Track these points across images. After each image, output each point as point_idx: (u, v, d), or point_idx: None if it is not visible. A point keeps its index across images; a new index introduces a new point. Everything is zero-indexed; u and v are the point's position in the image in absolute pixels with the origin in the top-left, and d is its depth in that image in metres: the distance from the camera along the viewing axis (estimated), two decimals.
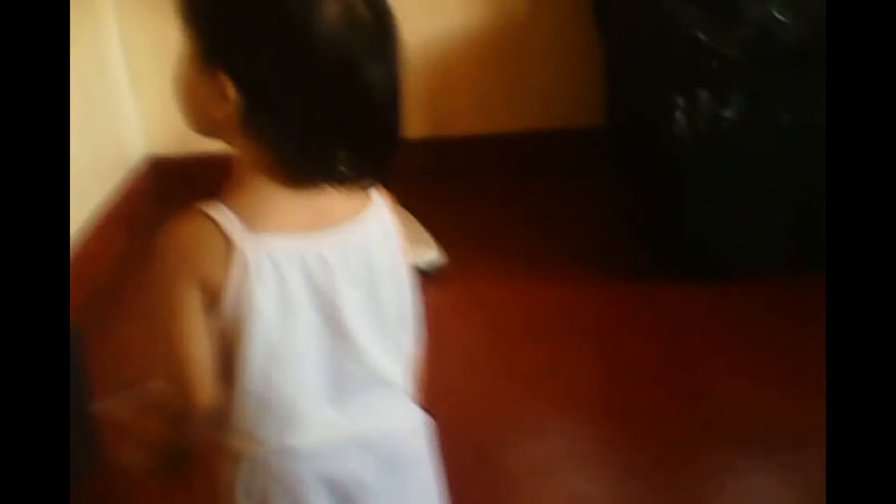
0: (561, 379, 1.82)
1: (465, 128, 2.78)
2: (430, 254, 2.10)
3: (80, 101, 2.38)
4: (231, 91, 0.82)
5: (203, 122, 0.89)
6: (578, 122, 2.77)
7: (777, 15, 1.91)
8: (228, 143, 0.89)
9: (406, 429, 1.01)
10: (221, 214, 0.85)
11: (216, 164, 2.72)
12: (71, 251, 2.15)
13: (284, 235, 0.87)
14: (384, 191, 0.97)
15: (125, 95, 2.75)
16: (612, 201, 2.55)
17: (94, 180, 2.45)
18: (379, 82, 0.84)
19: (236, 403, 0.90)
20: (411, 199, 1.53)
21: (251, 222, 0.85)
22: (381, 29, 0.84)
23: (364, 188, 0.92)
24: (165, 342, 0.87)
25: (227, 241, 0.84)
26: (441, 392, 1.10)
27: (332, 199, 0.89)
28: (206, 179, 2.86)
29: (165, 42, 2.73)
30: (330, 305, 0.89)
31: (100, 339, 1.84)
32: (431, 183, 2.31)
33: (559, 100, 2.80)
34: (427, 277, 1.89)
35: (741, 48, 1.94)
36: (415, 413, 1.02)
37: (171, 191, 2.81)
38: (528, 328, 1.99)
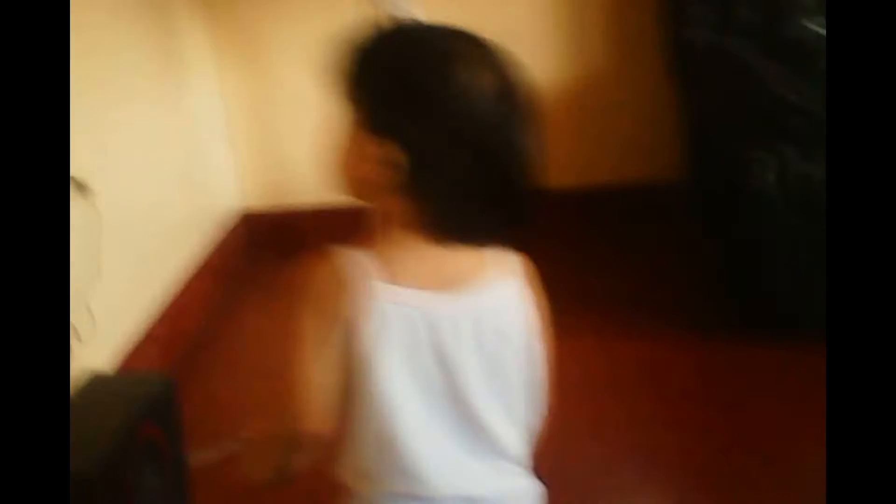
0: (643, 437, 1.80)
1: (547, 181, 2.80)
2: None
3: (181, 157, 2.50)
4: (397, 156, 0.88)
5: (358, 186, 0.94)
6: (659, 175, 2.77)
7: None
8: (376, 202, 0.94)
9: (520, 498, 1.03)
10: (363, 262, 0.90)
11: (304, 217, 2.85)
12: (166, 302, 2.24)
13: (418, 290, 0.91)
14: (520, 254, 1.01)
15: (223, 152, 2.86)
16: (693, 256, 2.53)
17: (192, 233, 2.55)
18: (525, 147, 0.90)
19: (354, 442, 0.94)
20: None
21: (388, 272, 0.90)
22: (523, 98, 0.91)
23: (499, 249, 0.98)
24: (292, 374, 0.92)
25: (366, 287, 0.89)
26: None
27: (468, 260, 0.95)
28: (295, 232, 3.00)
29: (259, 102, 2.90)
30: (452, 365, 0.93)
31: (192, 391, 1.90)
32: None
33: (640, 154, 2.81)
34: None
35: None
36: (530, 483, 1.03)
37: (262, 243, 2.92)
38: (611, 384, 1.98)
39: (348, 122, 0.94)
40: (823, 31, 2.31)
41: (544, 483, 1.04)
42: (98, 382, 1.61)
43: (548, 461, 1.07)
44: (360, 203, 0.96)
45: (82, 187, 1.77)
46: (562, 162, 2.83)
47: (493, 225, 0.93)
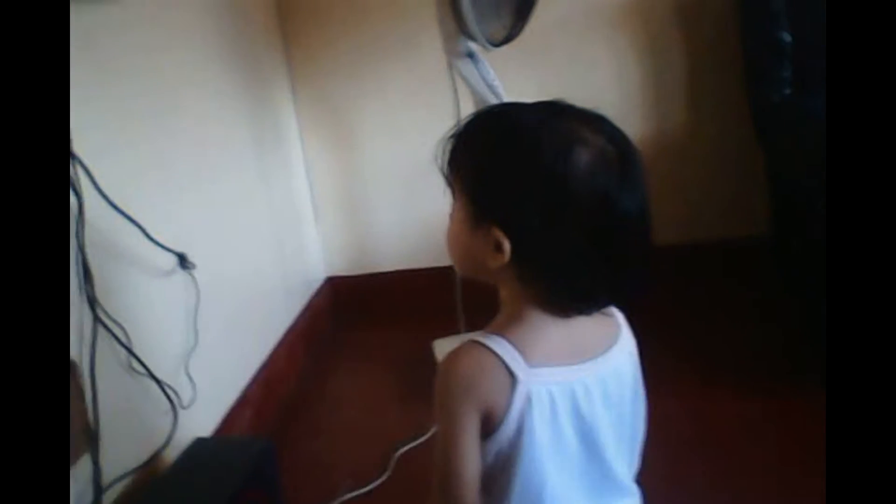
0: (729, 494, 1.78)
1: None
2: None
3: (273, 230, 2.59)
4: (505, 243, 0.91)
5: (476, 270, 0.99)
6: (741, 233, 2.77)
7: None
8: (500, 285, 0.99)
9: None
10: (501, 347, 0.93)
11: (385, 280, 2.90)
12: (259, 367, 2.31)
13: (555, 366, 0.95)
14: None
15: (309, 223, 2.96)
16: (779, 312, 2.51)
17: (282, 300, 2.63)
18: (633, 212, 0.91)
19: None
20: None
21: (526, 355, 0.93)
22: (628, 164, 0.92)
23: (612, 309, 1.02)
24: (444, 460, 0.95)
25: (509, 373, 0.92)
26: None
27: (590, 329, 0.99)
28: (377, 297, 3.05)
29: (340, 175, 2.99)
30: (589, 429, 0.97)
31: (285, 453, 1.95)
32: None
33: (721, 212, 2.81)
34: None
35: None
36: None
37: (346, 308, 2.99)
38: (695, 442, 1.97)
39: (457, 207, 0.98)
40: None
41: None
42: (201, 447, 1.67)
43: None
44: (465, 274, 1.00)
45: (184, 260, 1.85)
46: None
47: (610, 295, 0.96)
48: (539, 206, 0.90)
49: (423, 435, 2.08)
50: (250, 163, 2.48)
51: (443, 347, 2.48)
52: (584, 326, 0.98)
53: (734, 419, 2.05)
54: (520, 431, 0.93)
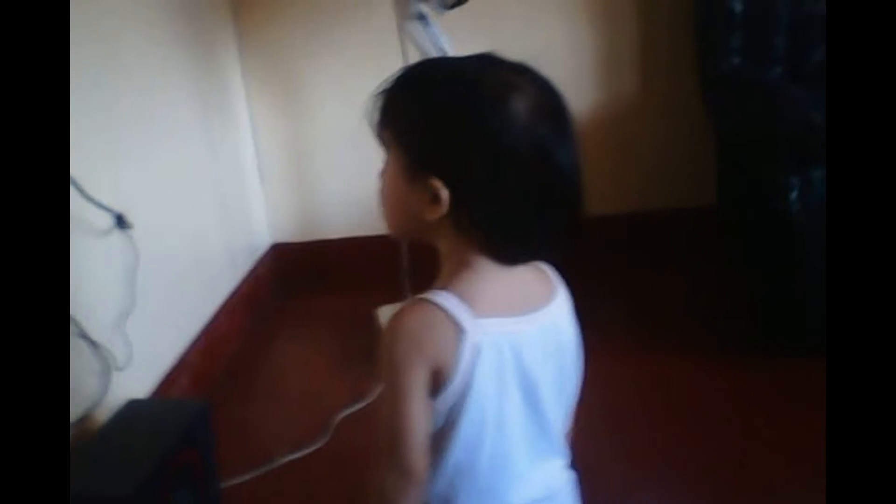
0: (669, 454, 1.79)
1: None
2: None
3: (218, 194, 2.55)
4: (444, 193, 0.89)
5: (411, 227, 0.96)
6: (690, 201, 2.78)
7: None
8: (433, 241, 0.97)
9: (570, 489, 1.07)
10: (447, 301, 0.91)
11: (330, 248, 2.87)
12: (199, 331, 2.27)
13: (500, 317, 0.93)
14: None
15: (255, 190, 2.91)
16: (723, 280, 2.54)
17: (227, 266, 2.59)
18: (566, 162, 0.91)
19: (435, 471, 0.95)
20: None
21: (473, 306, 0.91)
22: (561, 112, 0.92)
23: (545, 267, 1.01)
24: (392, 423, 0.92)
25: (456, 325, 0.90)
26: None
27: (529, 281, 0.98)
28: (322, 263, 3.02)
29: (288, 141, 2.95)
30: (530, 382, 0.96)
31: (224, 417, 1.92)
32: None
33: (670, 180, 2.82)
34: None
35: None
36: (571, 473, 1.07)
37: (290, 274, 2.95)
38: (638, 403, 1.99)
39: (390, 161, 0.96)
40: None
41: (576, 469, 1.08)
42: (136, 408, 1.64)
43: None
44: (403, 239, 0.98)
45: (122, 220, 1.80)
46: (593, 188, 2.84)
47: (546, 243, 0.94)
48: (476, 155, 0.88)
49: (363, 400, 2.06)
50: (195, 126, 2.43)
51: (387, 315, 2.45)
52: (524, 278, 0.97)
53: (678, 384, 2.07)
54: (467, 385, 0.91)
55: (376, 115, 0.96)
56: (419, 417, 0.91)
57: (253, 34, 2.81)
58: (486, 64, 0.93)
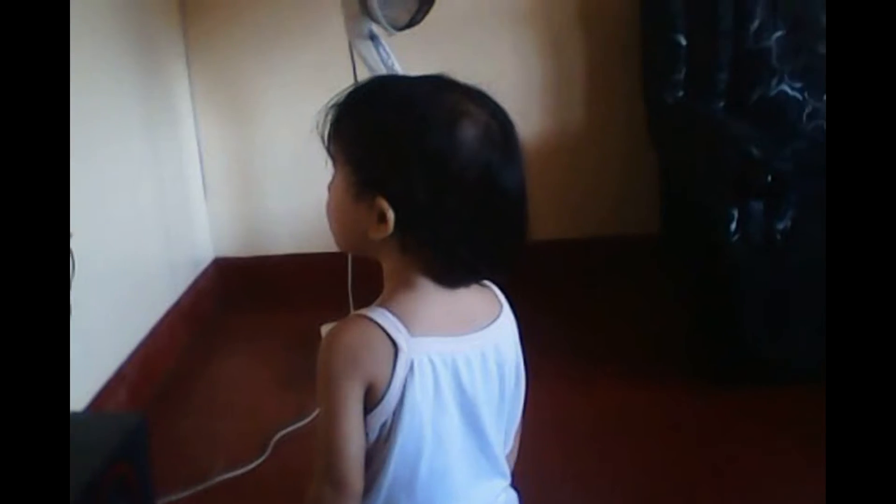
0: (616, 478, 1.82)
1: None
2: None
3: (159, 206, 2.52)
4: (390, 213, 0.89)
5: (356, 243, 0.97)
6: (635, 229, 2.82)
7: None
8: (377, 258, 0.97)
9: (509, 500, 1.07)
10: (384, 318, 0.92)
11: (275, 264, 2.84)
12: (137, 345, 2.23)
13: (438, 336, 0.94)
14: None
15: (198, 203, 2.88)
16: (667, 307, 2.58)
17: (167, 279, 2.55)
18: (512, 187, 0.92)
19: (377, 487, 0.95)
20: None
21: (410, 325, 0.92)
22: (510, 140, 0.93)
23: (493, 287, 1.02)
24: (327, 437, 0.92)
25: (392, 343, 0.91)
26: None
27: (472, 302, 0.98)
28: (266, 279, 2.99)
29: (234, 154, 2.92)
30: (470, 402, 0.96)
31: (161, 432, 1.89)
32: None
33: (614, 207, 2.86)
34: None
35: (793, 161, 1.99)
36: (513, 494, 1.08)
37: (233, 289, 2.92)
38: (584, 429, 2.01)
39: (338, 176, 0.96)
40: (791, 92, 2.40)
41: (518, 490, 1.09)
42: (71, 421, 1.60)
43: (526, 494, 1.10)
44: (351, 254, 0.98)
45: None
46: (540, 214, 2.87)
47: (489, 267, 0.96)
48: (424, 178, 0.89)
49: (303, 418, 2.05)
50: (138, 136, 2.40)
51: None
52: (466, 299, 0.97)
53: (616, 406, 2.10)
54: (401, 402, 0.92)
55: (326, 129, 0.96)
56: (353, 432, 0.92)
57: (202, 47, 2.79)
58: (437, 87, 0.94)
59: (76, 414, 1.71)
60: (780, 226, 2.00)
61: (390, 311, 0.93)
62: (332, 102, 0.96)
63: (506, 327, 1.02)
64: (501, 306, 1.03)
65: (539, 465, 1.81)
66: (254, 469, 1.88)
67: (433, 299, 0.94)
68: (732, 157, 1.99)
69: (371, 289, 1.04)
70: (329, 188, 0.98)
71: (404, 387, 0.91)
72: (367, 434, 0.93)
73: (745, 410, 2.02)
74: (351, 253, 1.00)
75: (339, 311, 2.34)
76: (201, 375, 2.41)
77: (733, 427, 1.98)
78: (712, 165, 2.10)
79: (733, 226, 2.01)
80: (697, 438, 1.96)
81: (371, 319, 0.92)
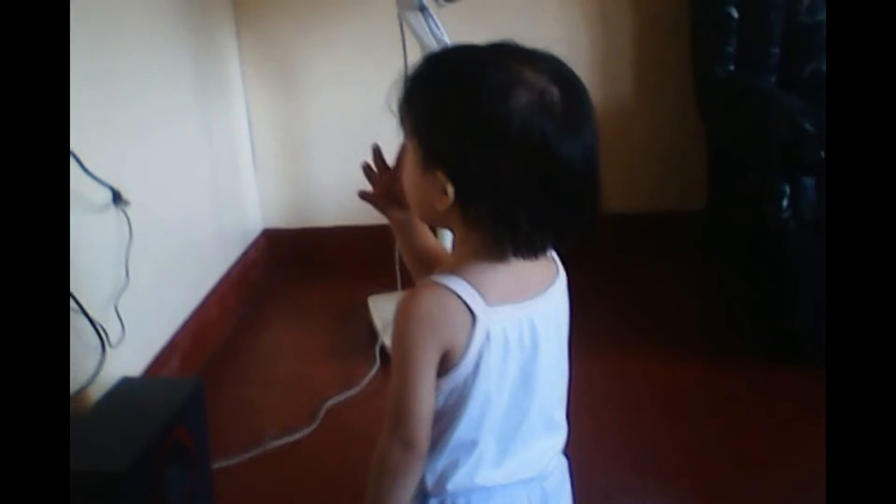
0: (653, 456, 1.82)
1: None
2: None
3: (211, 177, 2.55)
4: (449, 187, 0.91)
5: (428, 213, 0.98)
6: (682, 204, 2.81)
7: None
8: (451, 229, 0.98)
9: (562, 471, 1.11)
10: (461, 287, 0.93)
11: (322, 236, 2.87)
12: (190, 313, 2.28)
13: (507, 305, 0.95)
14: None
15: (248, 176, 2.91)
16: (712, 283, 2.57)
17: (218, 250, 2.60)
18: (574, 158, 0.90)
19: (442, 449, 0.99)
20: None
21: (485, 295, 0.94)
22: (573, 107, 0.90)
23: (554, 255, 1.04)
24: (400, 397, 0.95)
25: (469, 313, 0.93)
26: None
27: (533, 267, 0.98)
28: (313, 250, 3.02)
29: (283, 128, 2.94)
30: (530, 364, 0.98)
31: (214, 400, 1.93)
32: None
33: (659, 182, 2.85)
34: None
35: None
36: (563, 458, 1.10)
37: (282, 261, 2.96)
38: (621, 402, 2.01)
39: (410, 149, 0.97)
40: None
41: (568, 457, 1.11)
42: (129, 386, 1.64)
43: None
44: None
45: (118, 197, 1.81)
46: None
47: (551, 237, 0.96)
48: (477, 150, 0.89)
49: (352, 388, 2.08)
50: (191, 108, 2.43)
51: (378, 304, 2.48)
52: (527, 264, 0.98)
53: (656, 383, 2.10)
54: (476, 370, 0.94)
55: (398, 103, 0.97)
56: (426, 395, 0.94)
57: (252, 20, 2.81)
58: (497, 53, 0.93)
59: (134, 379, 1.76)
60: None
61: (464, 280, 0.94)
62: (403, 75, 0.97)
63: (562, 287, 1.04)
64: (557, 268, 1.04)
65: (593, 435, 1.83)
66: (305, 437, 1.92)
67: (500, 267, 0.95)
68: (784, 131, 1.97)
69: None
70: (406, 160, 1.00)
71: (479, 355, 0.93)
72: (437, 397, 0.96)
73: (794, 387, 2.01)
74: (427, 223, 1.02)
75: (386, 283, 2.39)
76: (251, 345, 2.45)
77: (782, 402, 1.98)
78: (763, 140, 2.07)
79: (785, 202, 1.99)
80: (751, 410, 1.96)
81: (448, 287, 0.93)
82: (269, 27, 2.81)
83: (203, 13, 2.55)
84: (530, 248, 0.95)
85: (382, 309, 2.43)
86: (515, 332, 0.96)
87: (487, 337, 0.93)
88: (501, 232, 0.92)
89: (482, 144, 0.88)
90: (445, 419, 0.97)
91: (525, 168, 0.88)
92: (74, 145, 1.60)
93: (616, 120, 2.80)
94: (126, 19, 1.98)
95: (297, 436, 1.92)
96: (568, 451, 1.10)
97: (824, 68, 2.40)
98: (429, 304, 0.94)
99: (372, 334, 2.34)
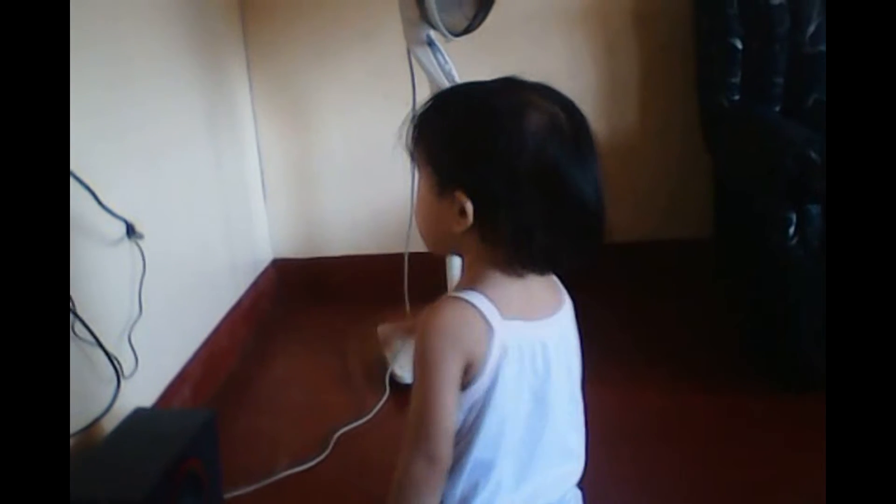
0: (665, 482, 1.82)
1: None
2: None
3: (222, 208, 2.58)
4: (468, 205, 0.96)
5: (443, 239, 1.04)
6: (684, 234, 2.83)
7: None
8: (464, 252, 1.04)
9: (576, 497, 1.13)
10: (478, 300, 0.97)
11: (331, 265, 2.88)
12: (201, 343, 2.30)
13: (520, 321, 0.99)
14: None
15: (258, 206, 2.95)
16: (719, 311, 2.58)
17: (228, 280, 2.62)
18: (581, 182, 0.96)
19: (458, 470, 1.01)
20: None
21: (501, 308, 0.98)
22: (579, 131, 0.97)
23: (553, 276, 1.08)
24: (425, 411, 0.98)
25: (487, 324, 0.96)
26: None
27: (542, 289, 1.04)
28: (323, 279, 3.04)
29: (292, 158, 2.97)
30: (542, 387, 1.02)
31: (226, 430, 1.94)
32: None
33: (665, 212, 2.87)
34: None
35: None
36: (578, 491, 1.13)
37: (292, 290, 2.98)
38: (628, 432, 2.02)
39: (422, 180, 1.03)
40: None
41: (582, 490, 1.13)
42: (142, 416, 1.66)
43: None
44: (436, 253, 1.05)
45: (132, 229, 1.84)
46: None
47: (565, 259, 1.00)
48: (495, 168, 0.94)
49: (363, 417, 2.09)
50: (202, 139, 2.46)
51: (387, 333, 2.49)
52: (538, 286, 1.03)
53: (667, 411, 2.11)
54: (493, 382, 0.97)
55: (409, 138, 1.02)
56: (450, 407, 0.97)
57: (263, 52, 2.85)
58: (507, 85, 1.00)
59: (147, 410, 1.78)
60: None
61: (483, 294, 0.98)
62: (414, 113, 1.03)
63: (569, 313, 1.08)
64: (564, 293, 1.09)
65: (601, 464, 1.83)
66: (316, 466, 1.93)
67: (512, 286, 1.00)
68: (790, 160, 1.99)
69: (426, 290, 1.08)
70: (418, 198, 1.05)
71: (497, 367, 0.97)
72: (458, 410, 0.99)
73: (803, 415, 2.01)
74: (439, 253, 1.06)
75: (394, 312, 2.41)
76: (261, 374, 2.46)
77: (793, 430, 1.98)
78: (769, 169, 2.09)
79: (791, 230, 2.01)
80: (762, 437, 1.96)
81: (467, 300, 0.97)
82: (280, 59, 2.85)
83: (214, 45, 2.59)
84: (545, 265, 1.00)
85: (391, 338, 2.45)
86: (529, 351, 0.99)
87: (504, 349, 0.96)
88: (519, 246, 0.97)
89: (499, 163, 0.94)
90: (464, 440, 1.00)
91: (538, 189, 0.94)
92: (90, 179, 1.64)
93: (624, 150, 2.83)
94: (137, 47, 2.02)
95: (309, 464, 1.93)
96: (582, 482, 1.12)
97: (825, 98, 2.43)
98: (450, 317, 0.97)
99: (381, 363, 2.36)
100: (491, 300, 0.97)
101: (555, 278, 1.08)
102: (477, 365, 0.96)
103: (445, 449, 0.97)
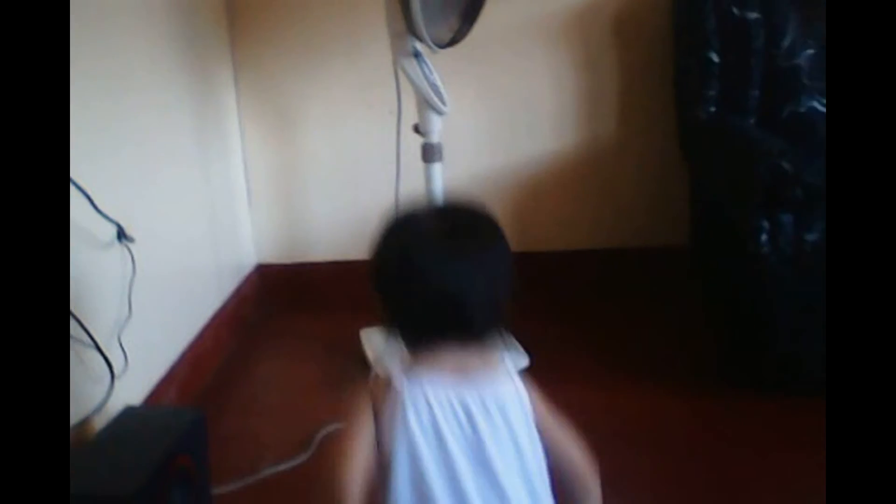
0: (639, 486, 1.86)
1: (553, 244, 2.95)
2: (520, 360, 2.24)
3: (208, 214, 2.62)
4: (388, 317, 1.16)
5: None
6: (662, 241, 2.90)
7: None
8: None
9: None
10: (391, 363, 1.14)
11: (313, 271, 2.92)
12: (187, 346, 2.33)
13: (432, 378, 1.11)
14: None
15: (243, 212, 2.98)
16: (695, 317, 2.64)
17: (213, 285, 2.66)
18: (470, 294, 1.12)
19: None
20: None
21: (407, 368, 1.13)
22: (456, 236, 1.15)
23: (507, 362, 1.19)
24: (340, 438, 1.14)
25: (400, 383, 1.11)
26: None
27: (471, 360, 1.14)
28: (306, 286, 3.07)
29: (277, 166, 3.01)
30: (477, 446, 1.09)
31: (212, 427, 1.97)
32: (520, 295, 2.43)
33: (644, 220, 2.94)
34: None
35: (823, 175, 2.06)
36: None
37: (275, 295, 3.02)
38: (608, 436, 2.04)
39: None
40: (821, 108, 2.47)
41: None
42: (133, 414, 1.69)
43: None
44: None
45: (122, 233, 1.87)
46: (568, 227, 2.95)
47: (457, 338, 1.14)
48: (392, 291, 1.16)
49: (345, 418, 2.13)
50: (190, 147, 2.50)
51: (370, 337, 2.53)
52: (466, 359, 1.14)
53: (646, 415, 2.16)
54: (395, 429, 1.08)
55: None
56: (356, 445, 1.11)
57: (249, 61, 2.89)
58: (433, 222, 1.18)
59: (137, 408, 1.81)
60: (810, 238, 2.06)
61: (405, 365, 1.14)
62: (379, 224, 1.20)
63: (506, 385, 1.15)
64: (504, 369, 1.17)
65: None
66: (300, 465, 1.96)
67: (436, 357, 1.13)
68: (764, 170, 2.05)
69: None
70: None
71: (398, 415, 1.08)
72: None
73: (777, 420, 2.06)
74: None
75: (377, 316, 2.43)
76: (246, 376, 2.50)
77: (769, 432, 2.03)
78: (744, 179, 2.16)
79: (764, 237, 2.07)
80: (730, 447, 2.01)
81: (389, 368, 1.14)
82: (266, 69, 2.89)
83: (202, 55, 2.63)
84: (419, 343, 1.15)
85: (374, 342, 2.49)
86: (445, 406, 1.09)
87: (416, 404, 1.09)
88: (410, 342, 1.16)
89: (397, 289, 1.15)
90: (385, 484, 1.10)
91: (428, 304, 1.12)
92: (84, 183, 1.67)
93: (603, 160, 2.90)
94: (130, 58, 2.06)
95: (293, 463, 1.96)
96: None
97: (801, 109, 2.50)
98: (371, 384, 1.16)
99: (364, 366, 2.39)
100: (412, 367, 1.13)
101: (507, 363, 1.18)
102: (378, 412, 1.11)
103: (348, 475, 1.10)
